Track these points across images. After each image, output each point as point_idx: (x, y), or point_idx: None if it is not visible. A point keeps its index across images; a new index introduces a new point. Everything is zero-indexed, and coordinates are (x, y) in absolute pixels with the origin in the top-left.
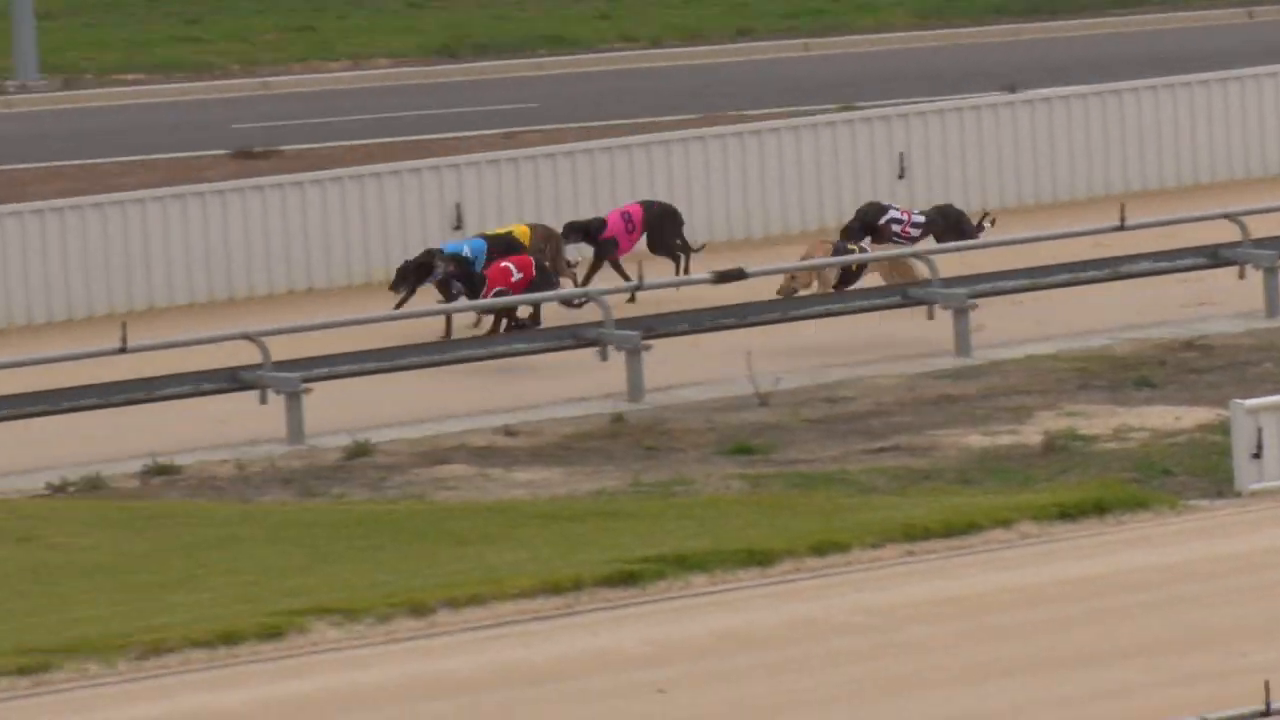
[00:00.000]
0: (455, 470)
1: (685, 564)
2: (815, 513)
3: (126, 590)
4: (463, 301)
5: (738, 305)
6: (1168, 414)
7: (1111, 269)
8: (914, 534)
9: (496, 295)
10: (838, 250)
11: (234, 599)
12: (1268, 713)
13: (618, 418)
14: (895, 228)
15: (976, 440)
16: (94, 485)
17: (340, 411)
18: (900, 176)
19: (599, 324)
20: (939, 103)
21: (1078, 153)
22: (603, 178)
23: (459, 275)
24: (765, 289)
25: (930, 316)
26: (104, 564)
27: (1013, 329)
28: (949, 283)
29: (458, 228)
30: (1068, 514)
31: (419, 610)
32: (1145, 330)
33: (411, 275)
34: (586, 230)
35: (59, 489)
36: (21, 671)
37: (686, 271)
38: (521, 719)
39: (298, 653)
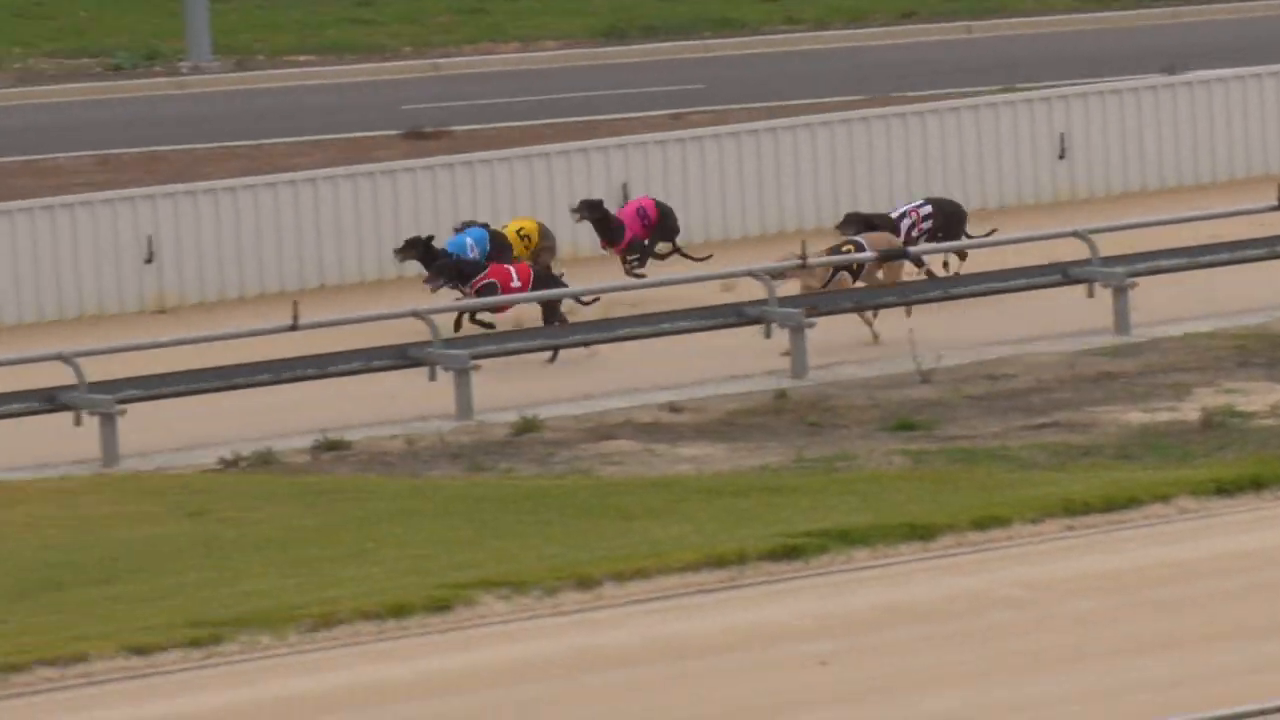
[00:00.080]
0: (621, 446)
1: (847, 538)
2: (976, 488)
3: (297, 564)
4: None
5: (901, 284)
6: None
7: (1270, 248)
8: (1074, 509)
9: (485, 288)
10: (833, 253)
11: (403, 572)
12: None
13: (781, 394)
14: (912, 232)
15: (1135, 416)
16: (265, 460)
17: (508, 388)
18: (1061, 157)
19: (762, 301)
20: (1099, 84)
21: (1236, 134)
22: (768, 158)
23: (449, 273)
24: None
25: (1090, 295)
26: (275, 538)
27: (1172, 307)
28: (1108, 261)
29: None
30: (1225, 489)
31: (585, 583)
32: None
33: (419, 246)
34: (599, 214)
35: (231, 464)
36: (194, 644)
37: (630, 270)
38: (685, 691)
39: (465, 625)
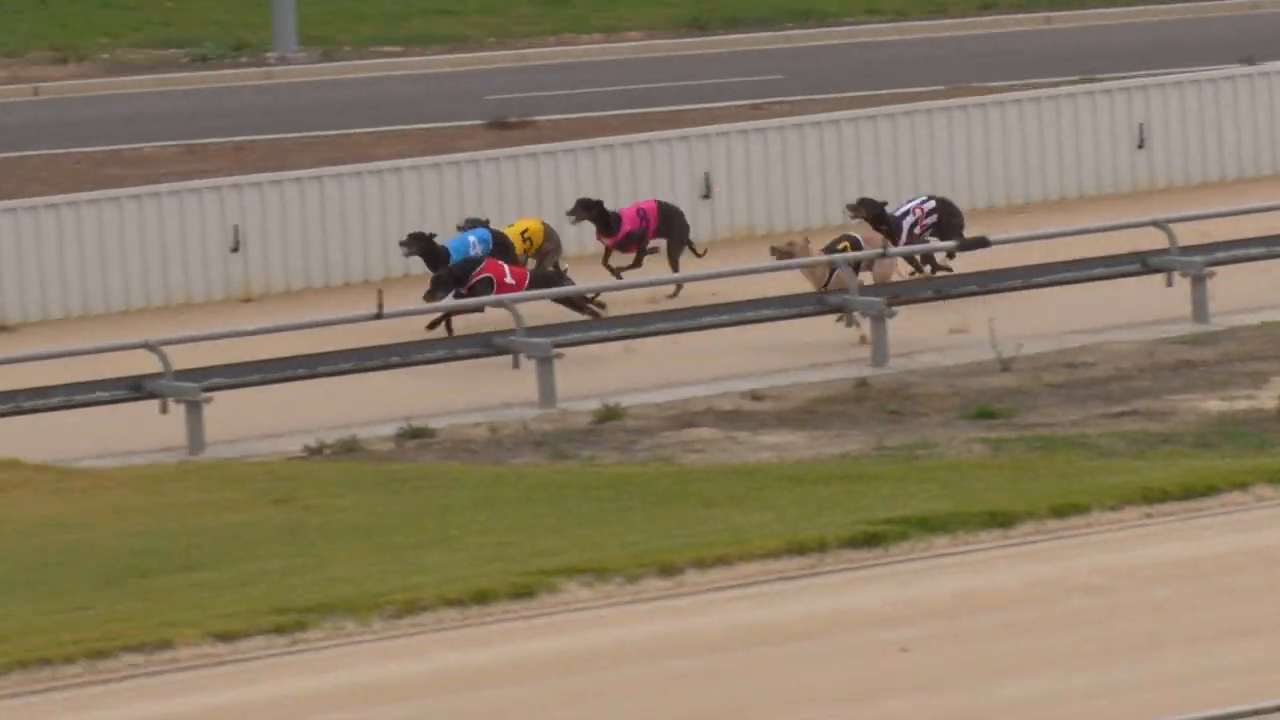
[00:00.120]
0: (703, 434)
1: (928, 526)
2: (1055, 475)
3: (381, 550)
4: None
5: (980, 272)
6: None
7: None
8: (1152, 496)
9: (480, 283)
10: (829, 251)
11: (487, 559)
12: None
13: (862, 382)
14: (916, 230)
15: (1214, 405)
16: (350, 448)
17: (590, 376)
18: (1140, 147)
19: (843, 290)
20: (1178, 75)
21: None
22: (848, 148)
23: (447, 284)
24: (1009, 257)
25: (1169, 284)
26: (359, 525)
27: (1250, 296)
28: (1187, 250)
29: (706, 196)
30: None
31: (667, 570)
32: None
33: (423, 241)
34: (597, 211)
35: (316, 451)
36: (279, 630)
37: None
38: (767, 677)
39: (549, 612)
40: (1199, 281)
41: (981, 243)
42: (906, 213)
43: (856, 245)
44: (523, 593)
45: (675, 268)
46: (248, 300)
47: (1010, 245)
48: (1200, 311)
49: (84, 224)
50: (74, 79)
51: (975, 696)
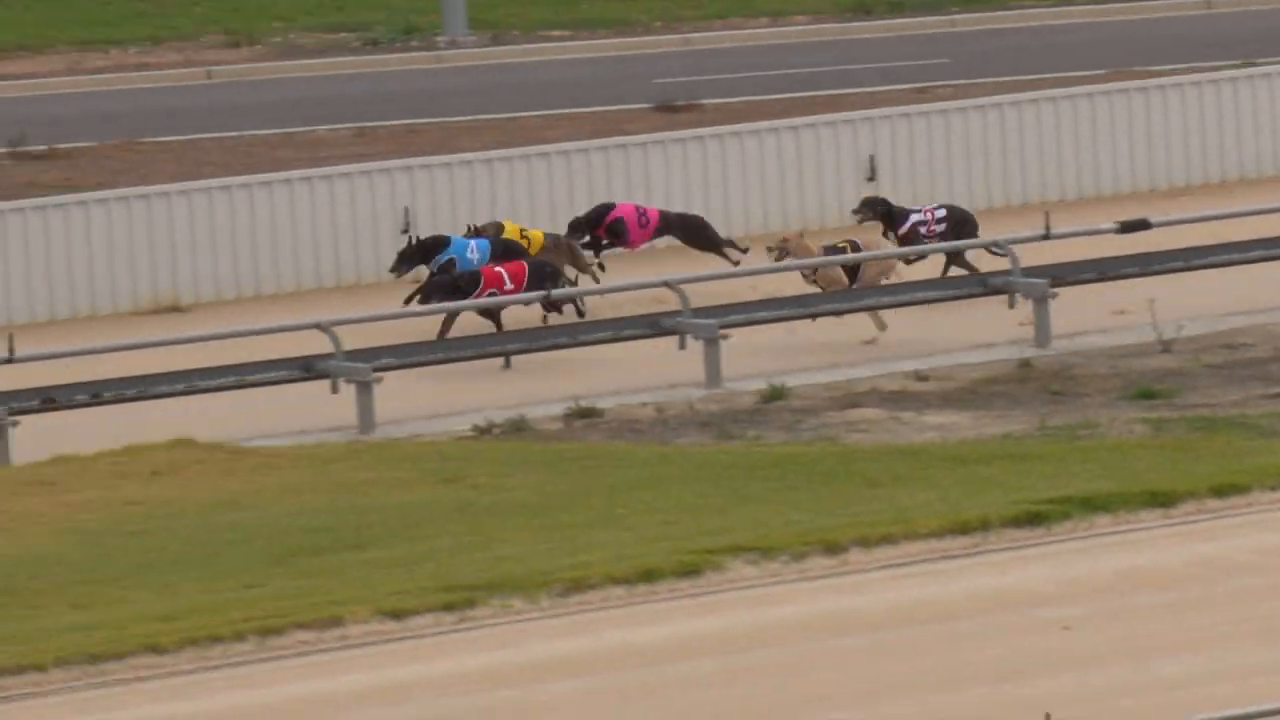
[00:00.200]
0: (867, 414)
1: (1090, 505)
2: (1216, 455)
3: (549, 529)
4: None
5: (1142, 254)
6: None
7: None
8: None
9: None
10: (828, 252)
11: (653, 538)
12: None
13: (1025, 363)
14: (921, 229)
15: None
16: (518, 428)
17: (755, 356)
18: None
19: (1006, 273)
20: None
21: None
22: (1011, 131)
23: (444, 286)
24: (1168, 239)
25: None
26: (527, 503)
27: None
28: None
29: (871, 179)
30: None
31: (832, 549)
32: None
33: (414, 259)
34: (588, 222)
35: (485, 431)
36: (448, 607)
37: (737, 263)
38: (931, 655)
39: (714, 590)
40: None
41: (1143, 224)
42: (917, 210)
43: (857, 249)
44: (689, 571)
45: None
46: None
47: (1171, 227)
48: None
49: (256, 206)
50: (246, 63)
51: (1137, 674)
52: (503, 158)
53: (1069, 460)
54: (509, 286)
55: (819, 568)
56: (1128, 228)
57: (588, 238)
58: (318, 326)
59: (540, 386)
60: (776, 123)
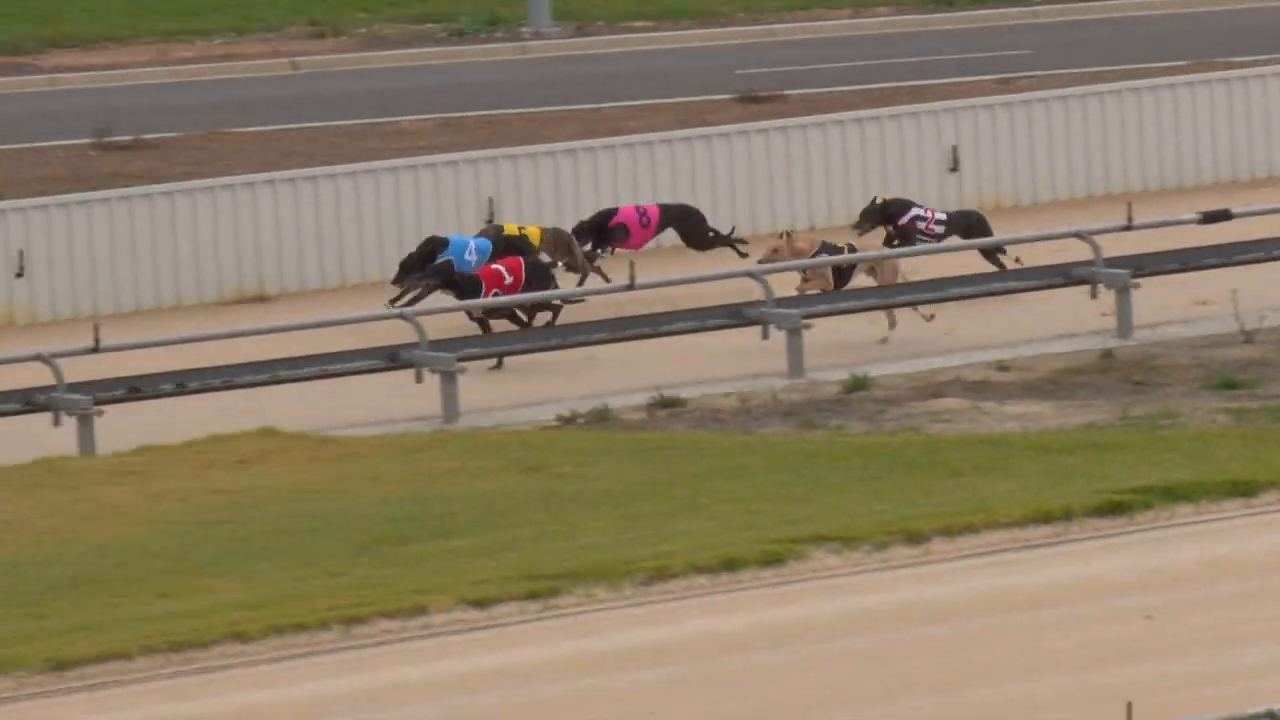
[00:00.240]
0: (949, 404)
1: (1171, 495)
2: None
3: (632, 518)
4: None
5: (1223, 245)
6: None
7: None
8: None
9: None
10: (825, 249)
11: (736, 527)
12: None
13: (1107, 353)
14: (920, 224)
15: None
16: (602, 417)
17: (837, 347)
18: None
19: (1089, 263)
20: None
21: None
22: (1094, 122)
23: (443, 284)
24: (1250, 229)
25: None
26: (610, 492)
27: None
28: None
29: (954, 170)
30: None
31: (914, 538)
32: None
33: (415, 268)
34: (592, 227)
35: (568, 420)
36: (531, 596)
37: (743, 255)
38: (1013, 644)
39: (797, 579)
40: None
41: (1224, 215)
42: (919, 206)
43: (853, 249)
44: (772, 560)
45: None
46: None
47: (1252, 218)
48: None
49: (341, 196)
50: (331, 53)
51: (1218, 663)
52: (586, 148)
53: (1151, 450)
54: (508, 281)
55: (901, 557)
56: (1209, 218)
57: (590, 246)
58: (402, 316)
59: (624, 376)
60: (859, 114)
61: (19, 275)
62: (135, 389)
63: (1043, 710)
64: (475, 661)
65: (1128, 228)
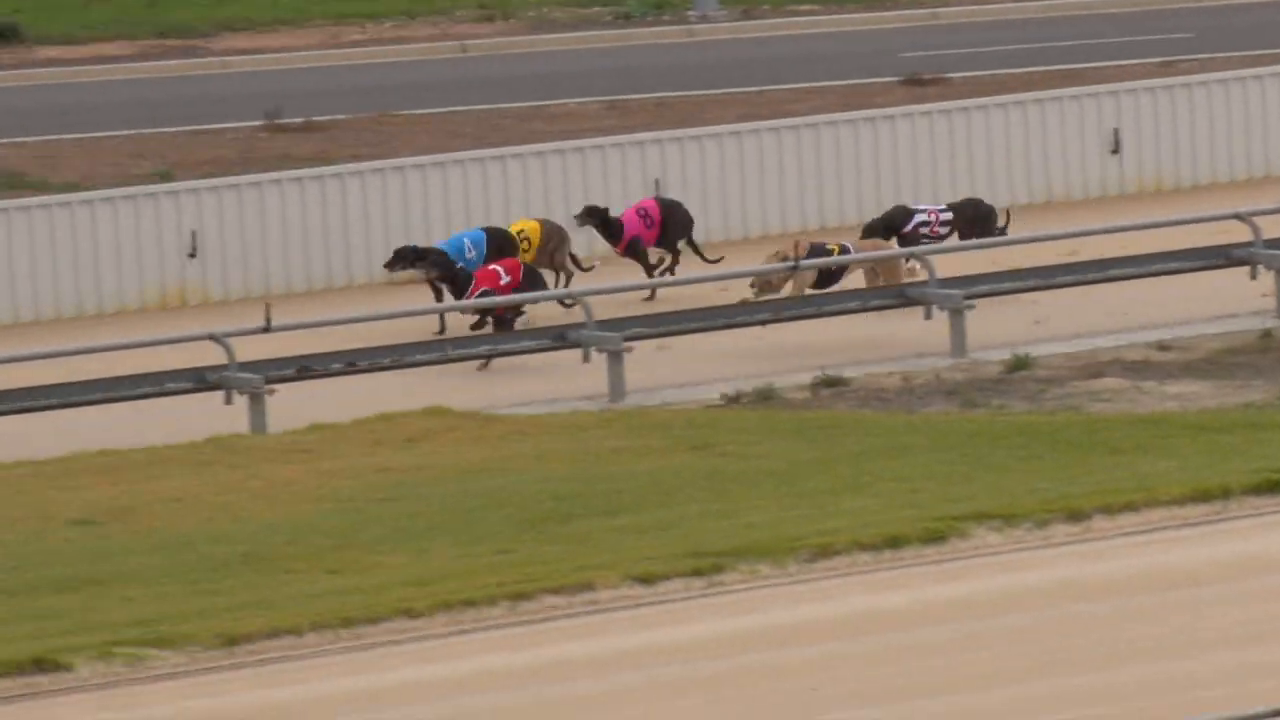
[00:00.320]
0: (1110, 383)
1: None
2: None
3: (796, 496)
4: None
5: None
6: None
7: None
8: None
9: (482, 295)
10: (816, 251)
11: (899, 505)
12: None
13: (1266, 334)
14: (924, 230)
15: None
16: (766, 396)
17: (1000, 326)
18: None
19: (1249, 244)
20: None
21: None
22: (1254, 105)
23: (443, 278)
24: None
25: None
26: (775, 471)
27: None
28: None
29: (1115, 152)
30: None
31: (1075, 516)
32: None
33: (408, 257)
34: (603, 218)
35: (733, 400)
36: (696, 573)
37: (671, 272)
38: (1173, 621)
39: (958, 556)
40: None
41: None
42: (922, 210)
43: (846, 253)
44: (934, 538)
45: (649, 271)
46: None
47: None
48: None
49: (509, 177)
50: (500, 36)
51: None
52: (751, 130)
53: None
54: (504, 281)
55: (1062, 534)
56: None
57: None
58: (569, 297)
59: (787, 356)
60: (1021, 96)
61: (191, 256)
62: (306, 368)
63: (1202, 688)
64: (640, 637)
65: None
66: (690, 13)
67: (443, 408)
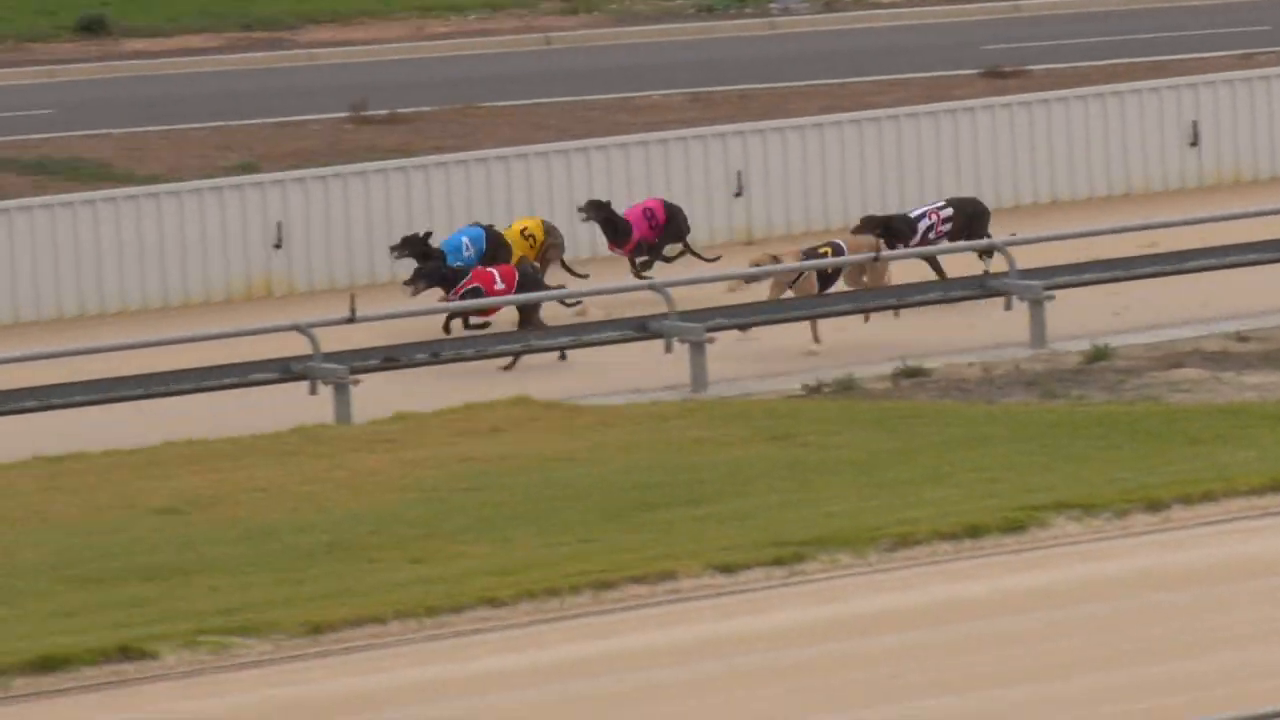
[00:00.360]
0: (1189, 374)
1: None
2: None
3: (876, 486)
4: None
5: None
6: None
7: None
8: None
9: (468, 294)
10: (808, 256)
11: (979, 494)
12: None
13: None
14: (930, 235)
15: None
16: (847, 387)
17: (1080, 317)
18: None
19: None
20: None
21: None
22: None
23: (432, 277)
24: None
25: None
26: (855, 461)
27: None
28: None
29: (1194, 144)
30: None
31: (1154, 506)
32: None
33: (415, 245)
34: (609, 214)
35: (814, 390)
36: (777, 562)
37: (639, 272)
38: (1253, 610)
39: (1038, 545)
40: None
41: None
42: (922, 215)
43: (839, 251)
44: (1014, 527)
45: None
46: (749, 243)
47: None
48: None
49: (593, 169)
50: (583, 29)
51: None
52: (833, 122)
53: None
54: (499, 286)
55: (1141, 524)
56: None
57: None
58: (651, 287)
59: (868, 347)
60: (1101, 88)
61: (277, 247)
62: (390, 358)
63: None
64: (721, 626)
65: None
66: (773, 5)
67: (525, 397)
